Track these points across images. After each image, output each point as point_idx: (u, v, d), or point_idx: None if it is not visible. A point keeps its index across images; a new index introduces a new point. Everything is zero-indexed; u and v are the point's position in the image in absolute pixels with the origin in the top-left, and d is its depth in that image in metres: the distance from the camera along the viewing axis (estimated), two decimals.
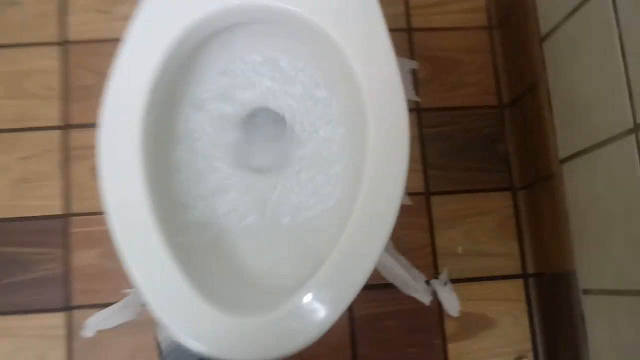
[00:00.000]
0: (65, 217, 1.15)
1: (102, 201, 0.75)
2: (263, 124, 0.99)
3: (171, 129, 0.89)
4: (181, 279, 0.73)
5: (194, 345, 0.72)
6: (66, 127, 1.18)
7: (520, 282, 1.16)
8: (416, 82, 1.22)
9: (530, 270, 1.16)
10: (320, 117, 0.94)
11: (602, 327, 0.96)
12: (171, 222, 0.79)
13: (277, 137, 0.98)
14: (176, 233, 0.79)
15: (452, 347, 1.13)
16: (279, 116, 0.96)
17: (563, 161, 1.04)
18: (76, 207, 1.15)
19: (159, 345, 1.01)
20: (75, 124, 1.18)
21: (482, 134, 1.21)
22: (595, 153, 0.94)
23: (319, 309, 0.72)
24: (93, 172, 1.16)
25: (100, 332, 1.10)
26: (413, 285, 1.12)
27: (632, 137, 0.85)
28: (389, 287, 1.13)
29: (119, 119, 0.79)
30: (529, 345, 1.14)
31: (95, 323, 1.10)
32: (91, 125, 1.12)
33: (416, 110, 1.20)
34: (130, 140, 0.78)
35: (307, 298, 0.72)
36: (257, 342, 0.72)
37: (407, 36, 1.24)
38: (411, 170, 0.78)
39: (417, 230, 1.16)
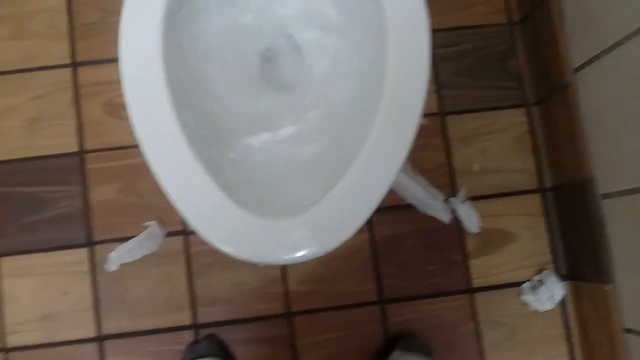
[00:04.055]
0: (80, 154, 1.14)
1: (128, 111, 0.74)
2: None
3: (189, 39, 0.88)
4: (211, 185, 0.73)
5: (226, 248, 0.72)
6: (74, 65, 1.16)
7: (537, 196, 1.16)
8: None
9: (547, 183, 1.17)
10: (334, 35, 0.93)
11: (623, 227, 0.97)
12: (195, 134, 0.78)
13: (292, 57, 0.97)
14: (202, 146, 0.78)
15: (472, 263, 1.14)
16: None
17: (577, 69, 1.04)
18: (90, 144, 1.15)
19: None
20: (83, 61, 1.17)
21: (493, 51, 1.20)
22: (610, 55, 0.94)
23: (338, 219, 0.73)
24: (105, 108, 1.15)
25: (123, 265, 1.10)
26: (432, 204, 1.13)
27: None
28: (408, 207, 1.14)
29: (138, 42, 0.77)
30: (549, 257, 1.15)
31: (117, 256, 1.10)
32: (98, 62, 1.13)
33: None
34: (152, 53, 0.76)
35: (328, 207, 0.73)
36: (281, 243, 0.72)
37: None
38: None
39: (433, 151, 1.16)
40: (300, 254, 0.72)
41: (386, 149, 0.75)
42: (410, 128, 0.76)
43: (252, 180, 0.86)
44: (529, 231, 1.15)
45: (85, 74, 1.17)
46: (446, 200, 1.14)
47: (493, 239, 1.14)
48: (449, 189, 1.16)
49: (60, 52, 1.18)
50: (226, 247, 0.72)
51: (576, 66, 1.04)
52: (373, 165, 0.75)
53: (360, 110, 0.87)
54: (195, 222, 0.73)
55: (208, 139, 0.85)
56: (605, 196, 1.00)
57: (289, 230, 0.72)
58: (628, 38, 0.89)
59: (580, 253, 1.09)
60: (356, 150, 0.76)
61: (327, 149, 0.89)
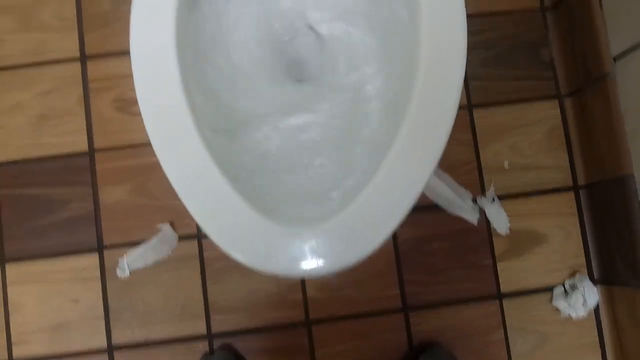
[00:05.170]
0: (90, 153, 1.09)
1: (139, 105, 0.69)
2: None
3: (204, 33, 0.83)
4: (226, 187, 0.67)
5: (239, 256, 0.67)
6: (84, 58, 1.11)
7: (570, 195, 1.10)
8: None
9: (581, 181, 1.10)
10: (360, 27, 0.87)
11: None
12: (210, 128, 0.73)
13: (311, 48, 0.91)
14: (216, 141, 0.73)
15: (502, 266, 1.07)
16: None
17: (616, 58, 0.96)
18: (100, 142, 1.10)
19: None
20: (93, 54, 1.12)
21: (524, 39, 1.13)
22: None
23: (363, 229, 0.67)
24: (115, 104, 1.10)
25: (134, 271, 1.05)
26: (459, 203, 1.06)
27: None
28: (433, 207, 1.08)
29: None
30: (582, 260, 1.08)
31: (129, 262, 1.05)
32: (109, 55, 1.08)
33: None
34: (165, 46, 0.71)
35: (352, 216, 0.67)
36: (299, 254, 0.67)
37: None
38: None
39: (460, 146, 1.10)
40: (320, 267, 0.66)
41: (417, 152, 0.69)
42: (445, 126, 0.69)
43: (270, 181, 0.81)
44: (560, 232, 1.08)
45: (95, 67, 1.12)
46: (474, 199, 1.08)
47: (523, 241, 1.08)
48: (477, 187, 1.09)
49: (69, 45, 1.12)
50: (239, 256, 0.67)
51: (615, 55, 0.96)
52: (402, 170, 0.68)
53: (388, 104, 0.82)
54: (208, 227, 0.68)
55: (223, 133, 0.81)
56: None
57: (309, 241, 0.67)
58: None
59: (616, 255, 1.02)
60: (384, 150, 0.70)
61: (351, 146, 0.83)
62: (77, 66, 1.12)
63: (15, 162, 1.09)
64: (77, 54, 1.12)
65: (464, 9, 0.71)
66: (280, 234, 0.67)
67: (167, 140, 0.69)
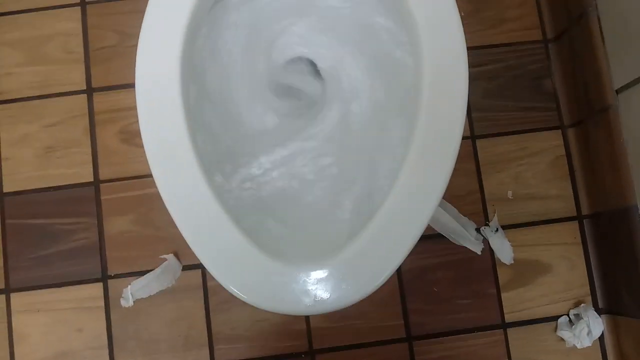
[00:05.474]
0: (95, 184, 1.10)
1: (142, 139, 0.70)
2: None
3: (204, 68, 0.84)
4: (228, 223, 0.68)
5: (242, 296, 0.67)
6: (90, 91, 1.13)
7: (574, 224, 1.10)
8: None
9: (585, 211, 1.10)
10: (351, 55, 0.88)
11: None
12: (210, 162, 0.74)
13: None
14: (215, 174, 0.74)
15: (506, 296, 1.07)
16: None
17: (618, 91, 0.97)
18: (105, 173, 1.11)
19: None
20: (99, 87, 1.13)
21: (527, 70, 1.14)
22: None
23: (369, 265, 0.68)
24: (120, 136, 1.11)
25: (138, 300, 1.05)
26: (463, 233, 1.06)
27: None
28: (437, 237, 1.08)
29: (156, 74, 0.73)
30: (587, 289, 1.08)
31: (133, 291, 1.05)
32: (114, 87, 1.09)
33: None
34: (169, 82, 0.72)
35: (357, 252, 0.68)
36: (303, 293, 0.67)
37: None
38: None
39: (463, 176, 1.10)
40: (325, 305, 0.67)
41: (421, 185, 0.70)
42: (449, 157, 0.71)
43: (270, 216, 0.81)
44: (565, 262, 1.08)
45: (100, 100, 1.13)
46: (478, 229, 1.08)
47: (527, 271, 1.08)
48: (481, 217, 1.09)
49: (75, 78, 1.14)
50: (243, 295, 0.67)
51: (617, 87, 0.97)
52: (407, 204, 0.69)
53: (389, 135, 0.82)
54: (210, 265, 0.68)
55: (224, 167, 0.81)
56: None
57: (313, 279, 0.67)
58: None
59: (621, 285, 1.02)
60: (386, 180, 0.72)
61: (354, 177, 0.84)
62: (83, 98, 1.13)
63: (21, 193, 1.10)
64: (84, 86, 1.13)
65: (464, 41, 0.72)
66: (283, 272, 0.67)
67: (169, 174, 0.70)
